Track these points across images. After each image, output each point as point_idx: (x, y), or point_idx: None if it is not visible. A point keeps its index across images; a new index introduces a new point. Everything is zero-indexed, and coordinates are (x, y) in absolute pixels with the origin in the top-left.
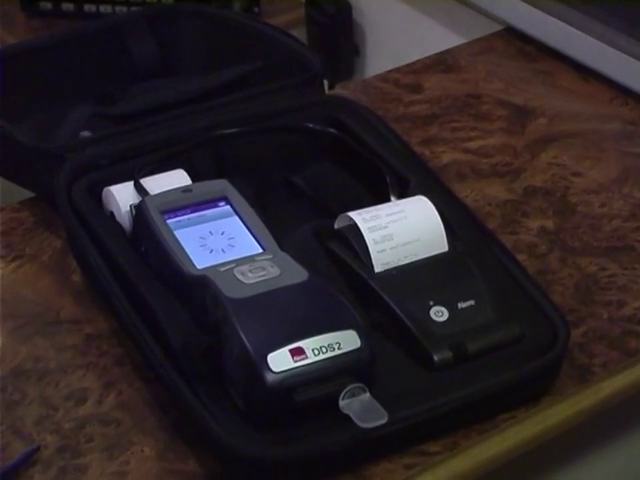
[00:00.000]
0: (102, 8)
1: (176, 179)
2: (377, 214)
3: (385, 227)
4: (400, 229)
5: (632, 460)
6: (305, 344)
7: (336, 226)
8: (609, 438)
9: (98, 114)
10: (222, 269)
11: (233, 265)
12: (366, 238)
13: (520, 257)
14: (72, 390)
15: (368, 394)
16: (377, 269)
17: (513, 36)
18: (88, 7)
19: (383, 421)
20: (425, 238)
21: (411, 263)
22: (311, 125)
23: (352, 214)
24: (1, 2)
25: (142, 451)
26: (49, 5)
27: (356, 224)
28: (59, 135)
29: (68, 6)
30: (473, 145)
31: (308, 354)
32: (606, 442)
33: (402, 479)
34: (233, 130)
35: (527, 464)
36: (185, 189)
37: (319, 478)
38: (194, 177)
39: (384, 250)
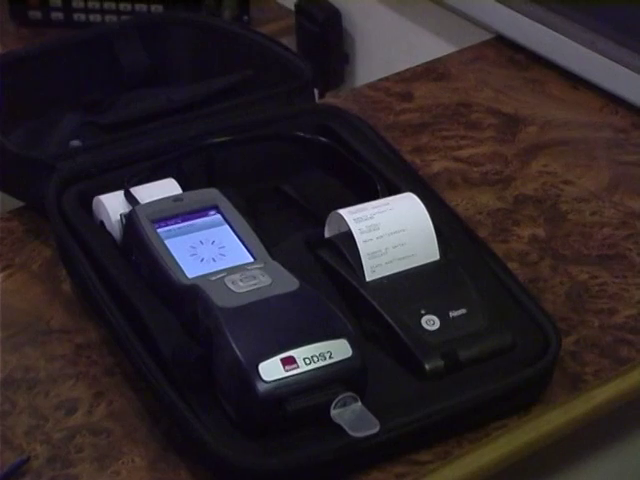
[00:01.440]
0: (92, 17)
1: (166, 188)
2: (363, 207)
3: (371, 217)
4: (386, 219)
5: (625, 468)
6: (296, 353)
7: (327, 235)
8: (601, 446)
9: (88, 123)
10: (213, 278)
11: (224, 274)
12: (352, 229)
13: (511, 265)
14: (62, 400)
15: (360, 403)
16: (368, 278)
17: (503, 45)
18: (77, 16)
19: (375, 430)
20: (411, 228)
21: (402, 272)
22: (302, 133)
23: (340, 210)
24: None
25: (133, 461)
26: (38, 14)
27: (345, 221)
28: (49, 144)
29: (57, 15)
30: (464, 153)
31: (299, 363)
32: (598, 450)
33: None
34: (223, 139)
35: (519, 473)
36: (175, 198)
37: None
38: (184, 186)
39: (370, 240)
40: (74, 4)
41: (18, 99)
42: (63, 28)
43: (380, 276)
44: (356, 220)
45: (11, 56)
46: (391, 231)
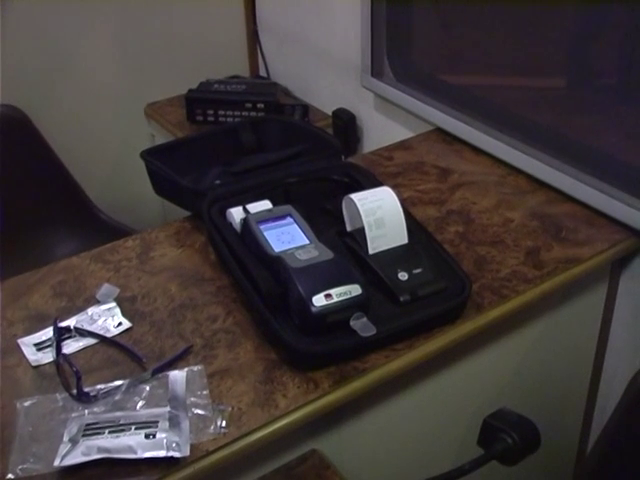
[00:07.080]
0: (229, 119)
1: (264, 205)
2: (360, 193)
3: (362, 194)
4: (370, 193)
5: (507, 355)
6: (332, 292)
7: (348, 229)
8: (494, 340)
9: (225, 172)
10: (288, 252)
11: (294, 250)
12: (356, 201)
13: (446, 246)
14: (210, 315)
15: (365, 318)
16: (370, 252)
17: (440, 132)
18: (222, 118)
19: (373, 332)
20: (383, 199)
21: (387, 249)
22: (335, 177)
23: (351, 195)
24: (176, 115)
25: (246, 348)
26: (201, 117)
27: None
28: (204, 182)
29: (211, 118)
30: (420, 188)
31: (334, 297)
32: (492, 343)
33: (382, 363)
34: (294, 179)
35: (449, 357)
36: (269, 210)
37: (338, 363)
38: (273, 204)
39: (364, 200)
40: (219, 113)
41: (189, 159)
42: (214, 124)
43: (376, 251)
44: (356, 196)
45: (186, 138)
46: (374, 198)
